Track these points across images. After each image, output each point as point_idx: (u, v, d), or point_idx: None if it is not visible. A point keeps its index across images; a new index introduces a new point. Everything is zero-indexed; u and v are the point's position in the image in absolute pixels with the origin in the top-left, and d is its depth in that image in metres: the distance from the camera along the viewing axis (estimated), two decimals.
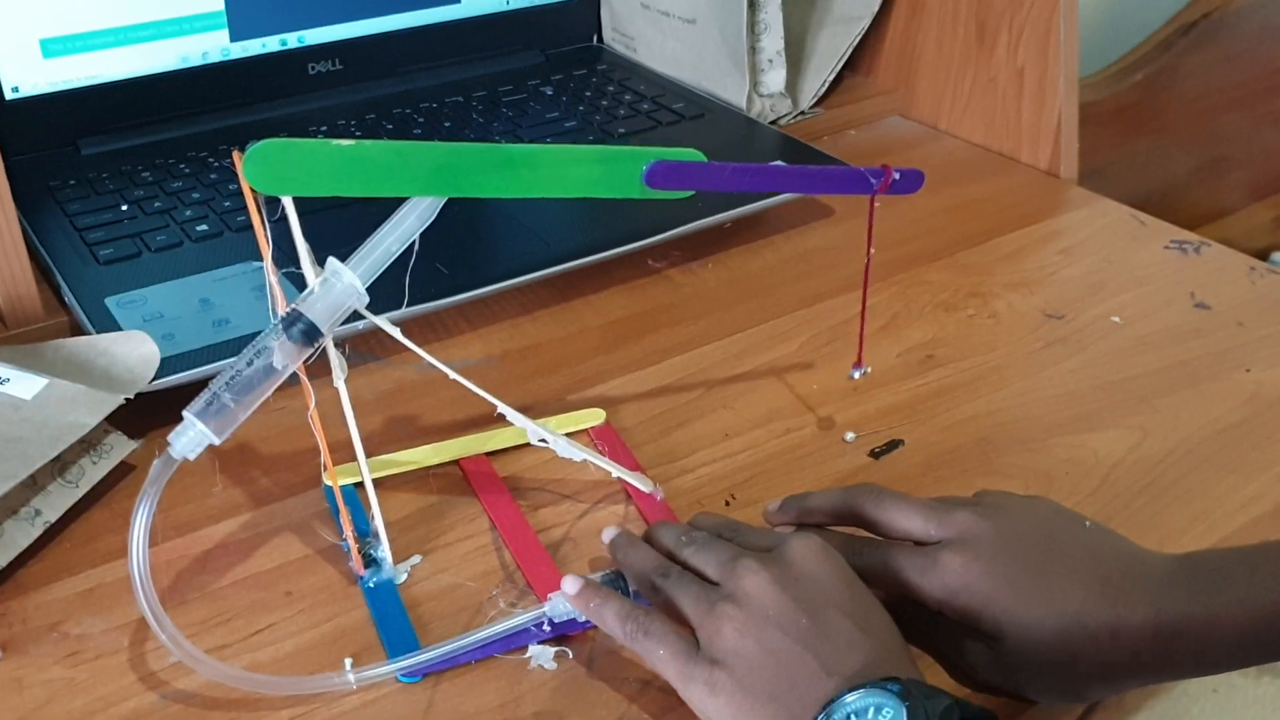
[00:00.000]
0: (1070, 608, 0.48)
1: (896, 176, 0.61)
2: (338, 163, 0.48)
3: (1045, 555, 0.49)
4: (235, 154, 0.46)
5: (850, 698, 0.43)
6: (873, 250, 0.63)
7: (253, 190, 0.47)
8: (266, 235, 0.48)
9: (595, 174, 0.54)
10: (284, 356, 0.49)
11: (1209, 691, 0.56)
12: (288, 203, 0.48)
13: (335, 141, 0.48)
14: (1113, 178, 1.28)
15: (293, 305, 0.49)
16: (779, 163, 0.60)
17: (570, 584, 0.51)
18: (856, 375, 0.68)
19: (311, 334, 0.49)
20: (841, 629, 0.46)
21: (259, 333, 0.50)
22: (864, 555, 0.52)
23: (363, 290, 0.50)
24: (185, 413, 0.49)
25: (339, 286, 0.50)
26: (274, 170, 0.47)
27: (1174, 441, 0.66)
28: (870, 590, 0.49)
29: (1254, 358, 0.73)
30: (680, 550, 0.52)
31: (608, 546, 0.54)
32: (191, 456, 0.49)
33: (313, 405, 0.51)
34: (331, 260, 0.50)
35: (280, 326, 0.49)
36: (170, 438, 0.49)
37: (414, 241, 0.51)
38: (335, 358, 0.51)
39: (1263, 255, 1.51)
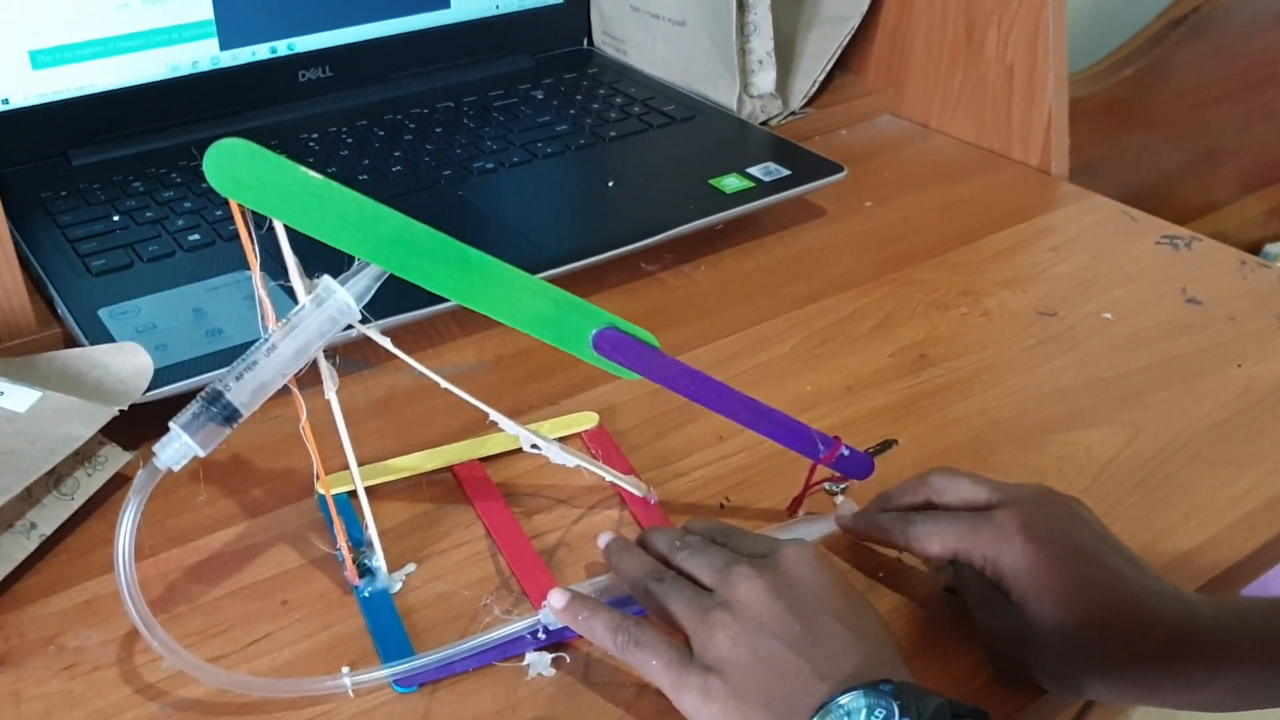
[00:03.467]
0: (1101, 600, 0.48)
1: (845, 452, 0.58)
2: (296, 191, 0.46)
3: (1093, 545, 0.51)
4: None
5: (844, 699, 0.43)
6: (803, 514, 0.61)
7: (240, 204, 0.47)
8: (254, 247, 0.47)
9: (546, 313, 0.52)
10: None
11: None
12: None
13: (304, 170, 0.46)
14: (1104, 173, 1.29)
15: (217, 382, 0.49)
16: (752, 399, 0.56)
17: (557, 598, 0.51)
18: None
19: (231, 417, 0.48)
20: (834, 634, 0.46)
21: (252, 343, 0.50)
22: (917, 521, 0.53)
23: (356, 308, 0.49)
24: (171, 424, 0.48)
25: (332, 303, 0.49)
26: (234, 172, 0.45)
27: (1166, 437, 0.66)
28: (865, 595, 0.49)
29: (1245, 352, 0.74)
30: (674, 555, 0.52)
31: (602, 551, 0.54)
32: (176, 468, 0.49)
33: (304, 418, 0.50)
34: (326, 278, 0.49)
35: (202, 403, 0.48)
36: (156, 448, 0.48)
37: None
38: (326, 370, 0.51)
39: (1255, 248, 1.52)
